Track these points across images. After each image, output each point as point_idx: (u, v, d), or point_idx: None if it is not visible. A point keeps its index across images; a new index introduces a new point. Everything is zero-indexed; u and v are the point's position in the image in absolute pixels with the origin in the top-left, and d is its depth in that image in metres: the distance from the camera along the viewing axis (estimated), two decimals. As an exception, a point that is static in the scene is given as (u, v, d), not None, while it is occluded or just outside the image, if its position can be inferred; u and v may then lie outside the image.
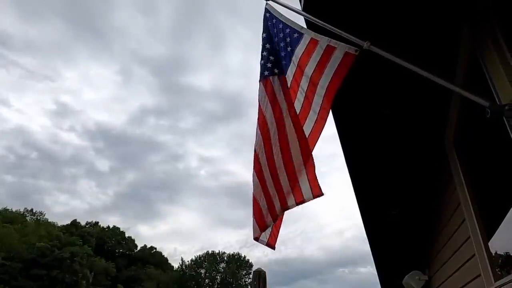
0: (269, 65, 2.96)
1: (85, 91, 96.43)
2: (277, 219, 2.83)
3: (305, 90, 2.57)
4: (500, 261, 2.86)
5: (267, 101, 2.90)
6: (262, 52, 3.04)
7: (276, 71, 2.91)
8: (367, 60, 2.36)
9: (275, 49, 2.93)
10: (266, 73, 2.95)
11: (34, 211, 59.45)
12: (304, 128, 2.59)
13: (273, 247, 2.79)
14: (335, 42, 2.42)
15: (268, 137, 2.84)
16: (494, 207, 2.86)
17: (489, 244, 2.93)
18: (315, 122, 2.55)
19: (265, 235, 2.82)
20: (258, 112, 2.96)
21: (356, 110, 3.52)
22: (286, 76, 2.71)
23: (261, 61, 3.03)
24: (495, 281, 2.75)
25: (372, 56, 2.25)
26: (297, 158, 2.71)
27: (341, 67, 2.39)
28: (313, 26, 2.57)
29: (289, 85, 2.68)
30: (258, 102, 2.98)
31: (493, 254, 2.89)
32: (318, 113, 2.52)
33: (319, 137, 2.55)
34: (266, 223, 2.78)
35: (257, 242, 2.82)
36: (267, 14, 2.99)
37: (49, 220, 57.97)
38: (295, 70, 2.62)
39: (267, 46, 3.00)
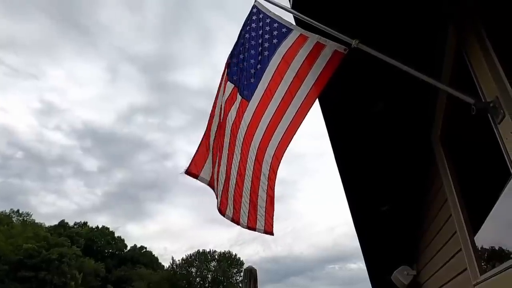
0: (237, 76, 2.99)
1: (71, 90, 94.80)
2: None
3: (288, 84, 2.57)
4: (485, 255, 2.92)
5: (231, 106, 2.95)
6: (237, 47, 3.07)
7: (245, 93, 2.88)
8: (355, 57, 2.38)
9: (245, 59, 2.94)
10: (235, 77, 2.98)
11: (20, 212, 58.29)
12: (281, 122, 2.60)
13: (271, 234, 2.79)
14: (325, 40, 2.44)
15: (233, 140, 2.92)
16: (480, 203, 2.91)
17: (475, 238, 2.99)
18: (294, 116, 2.56)
19: (261, 224, 2.82)
20: (219, 103, 3.02)
21: (345, 107, 3.54)
22: (267, 68, 2.69)
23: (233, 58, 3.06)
24: (480, 275, 2.80)
25: (360, 54, 2.26)
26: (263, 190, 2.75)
27: (330, 64, 2.42)
28: (302, 24, 2.57)
29: (271, 77, 2.66)
30: (219, 91, 3.06)
31: (479, 249, 2.94)
32: (299, 107, 2.53)
33: (297, 130, 2.57)
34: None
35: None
36: (254, 10, 2.97)
37: (36, 221, 56.92)
38: (280, 62, 2.60)
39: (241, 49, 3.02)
